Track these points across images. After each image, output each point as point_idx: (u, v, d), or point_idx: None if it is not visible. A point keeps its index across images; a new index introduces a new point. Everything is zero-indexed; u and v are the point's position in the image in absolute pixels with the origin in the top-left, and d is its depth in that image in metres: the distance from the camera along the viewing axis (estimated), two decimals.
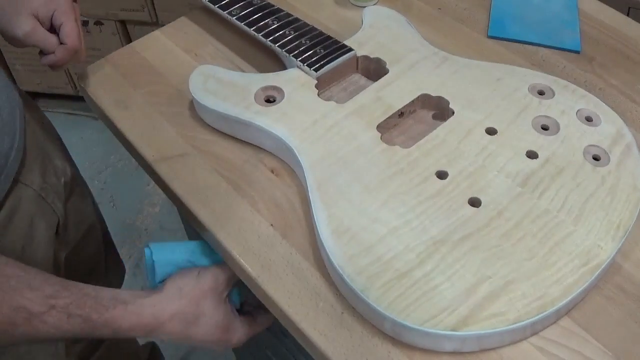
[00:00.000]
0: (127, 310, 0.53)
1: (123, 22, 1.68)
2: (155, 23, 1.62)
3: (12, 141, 0.61)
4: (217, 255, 0.60)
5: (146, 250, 0.60)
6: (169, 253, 0.60)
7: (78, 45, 0.65)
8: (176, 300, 0.55)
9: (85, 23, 1.69)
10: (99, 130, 1.68)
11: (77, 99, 1.85)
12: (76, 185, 0.76)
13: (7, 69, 1.80)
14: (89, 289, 0.53)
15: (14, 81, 1.81)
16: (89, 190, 0.84)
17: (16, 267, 0.51)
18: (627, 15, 0.79)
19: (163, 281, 0.58)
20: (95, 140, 1.75)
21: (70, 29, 0.65)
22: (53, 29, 0.65)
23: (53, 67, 0.66)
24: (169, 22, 0.80)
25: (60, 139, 0.79)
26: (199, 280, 0.57)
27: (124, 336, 0.54)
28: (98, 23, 1.68)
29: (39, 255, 0.65)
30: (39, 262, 0.65)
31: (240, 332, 0.59)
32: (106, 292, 0.53)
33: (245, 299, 0.63)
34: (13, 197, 0.62)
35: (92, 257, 0.83)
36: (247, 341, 0.61)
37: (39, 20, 0.64)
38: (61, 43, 0.64)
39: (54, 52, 0.64)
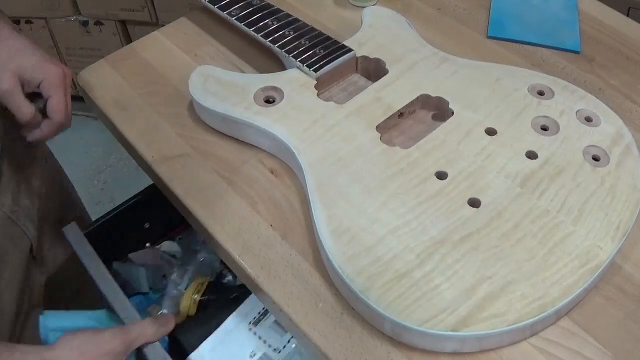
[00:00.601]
0: None
1: (123, 22, 1.68)
2: (155, 23, 1.62)
3: None
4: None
5: (40, 317, 0.56)
6: (65, 322, 0.56)
7: (64, 121, 0.62)
8: (71, 356, 0.51)
9: (85, 23, 1.69)
10: (99, 130, 1.67)
11: (77, 99, 1.85)
12: (57, 200, 0.75)
13: None
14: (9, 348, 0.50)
15: None
16: (78, 201, 0.83)
17: None
18: (627, 15, 0.79)
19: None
20: (95, 140, 1.75)
21: (57, 104, 0.61)
22: (38, 93, 0.61)
23: (36, 141, 0.63)
24: (169, 22, 0.80)
25: (50, 155, 0.77)
26: (100, 344, 0.52)
27: None
28: (98, 23, 1.68)
29: (6, 277, 0.64)
30: (5, 286, 0.64)
31: None
32: (17, 352, 0.50)
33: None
34: None
35: (81, 277, 0.82)
36: None
37: (22, 82, 0.60)
38: (45, 116, 0.61)
39: (29, 124, 0.60)
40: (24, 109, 0.59)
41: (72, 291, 0.80)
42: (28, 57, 0.60)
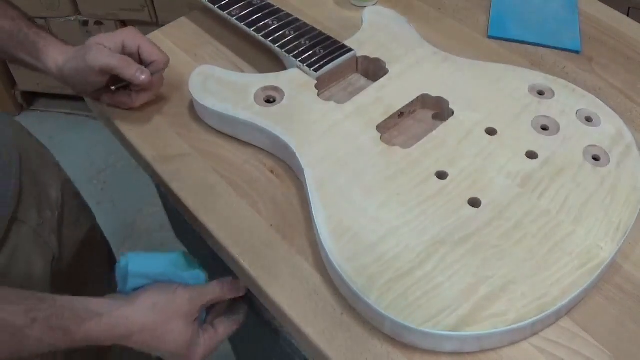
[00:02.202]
0: (101, 322, 0.52)
1: (123, 22, 1.67)
2: (155, 23, 1.62)
3: (9, 181, 0.61)
4: (195, 268, 0.59)
5: (122, 259, 0.58)
6: (145, 266, 0.58)
7: (165, 58, 0.65)
8: (149, 315, 0.55)
9: (85, 23, 1.69)
10: (99, 130, 1.68)
11: (77, 99, 1.85)
12: (70, 204, 0.75)
13: (7, 69, 1.80)
14: (63, 300, 0.52)
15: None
16: (84, 201, 0.83)
17: None
18: (627, 15, 0.79)
19: (135, 289, 0.57)
20: (95, 140, 1.75)
21: (149, 47, 0.65)
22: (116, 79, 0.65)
23: (144, 88, 0.65)
24: (169, 22, 0.80)
25: (55, 163, 0.78)
26: (174, 299, 0.56)
27: (93, 344, 0.53)
28: (98, 23, 1.68)
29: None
30: None
31: (202, 349, 0.58)
32: (79, 303, 0.53)
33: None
34: (13, 235, 0.61)
35: (89, 271, 0.82)
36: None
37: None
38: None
39: (136, 76, 0.62)
40: (142, 73, 0.63)
41: (79, 284, 0.80)
42: (99, 36, 0.65)
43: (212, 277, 0.60)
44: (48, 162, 0.75)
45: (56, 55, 0.65)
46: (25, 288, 0.61)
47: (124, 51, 0.65)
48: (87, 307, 0.53)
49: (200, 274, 0.59)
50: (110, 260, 0.89)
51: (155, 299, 0.56)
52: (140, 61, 0.65)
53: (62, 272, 0.72)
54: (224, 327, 0.60)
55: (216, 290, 0.58)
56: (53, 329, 0.50)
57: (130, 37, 0.65)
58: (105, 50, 0.63)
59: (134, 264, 0.57)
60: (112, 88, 0.66)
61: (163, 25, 0.79)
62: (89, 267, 0.82)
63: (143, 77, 0.63)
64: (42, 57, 0.65)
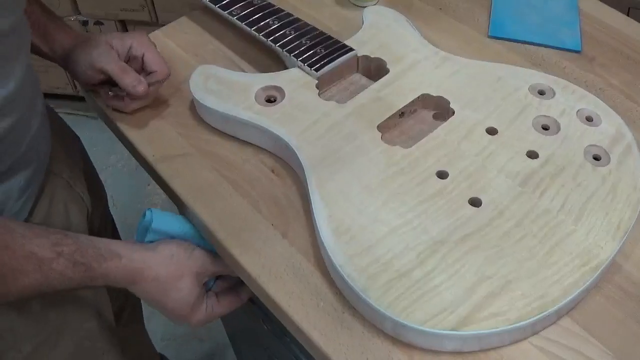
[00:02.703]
0: (120, 262, 0.54)
1: (123, 22, 1.68)
2: (155, 23, 1.62)
3: (47, 136, 0.62)
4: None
5: (147, 213, 0.59)
6: (168, 224, 0.60)
7: (167, 70, 0.66)
8: (164, 265, 0.56)
9: (85, 23, 1.69)
10: (99, 130, 1.68)
11: (77, 99, 1.85)
12: (90, 171, 0.78)
13: None
14: (85, 238, 0.54)
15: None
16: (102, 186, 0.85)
17: (16, 221, 0.52)
18: (627, 15, 0.79)
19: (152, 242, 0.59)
20: (95, 140, 1.75)
21: (154, 56, 0.65)
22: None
23: (138, 97, 0.65)
24: (169, 22, 0.80)
25: (76, 137, 0.80)
26: (190, 257, 0.58)
27: (110, 285, 0.55)
28: (98, 23, 1.68)
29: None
30: None
31: (202, 314, 0.60)
32: (101, 243, 0.55)
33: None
34: (49, 186, 0.63)
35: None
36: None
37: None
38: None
39: (135, 86, 0.63)
40: (139, 84, 0.63)
41: None
42: (112, 35, 0.66)
43: None
44: (66, 127, 0.77)
45: (65, 39, 0.66)
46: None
47: (130, 53, 0.65)
48: (109, 247, 0.54)
49: (214, 248, 0.60)
50: None
51: (173, 250, 0.58)
52: (142, 68, 0.65)
53: (94, 230, 0.74)
54: (228, 302, 0.62)
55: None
56: (76, 264, 0.51)
57: (138, 41, 0.65)
58: (112, 53, 0.64)
59: (158, 220, 0.59)
60: (110, 93, 0.66)
61: (163, 25, 0.79)
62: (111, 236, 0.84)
63: (140, 88, 0.63)
64: (50, 39, 0.65)
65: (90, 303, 0.67)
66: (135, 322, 0.94)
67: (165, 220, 0.59)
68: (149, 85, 0.64)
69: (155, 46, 0.67)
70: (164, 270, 0.56)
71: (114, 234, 0.89)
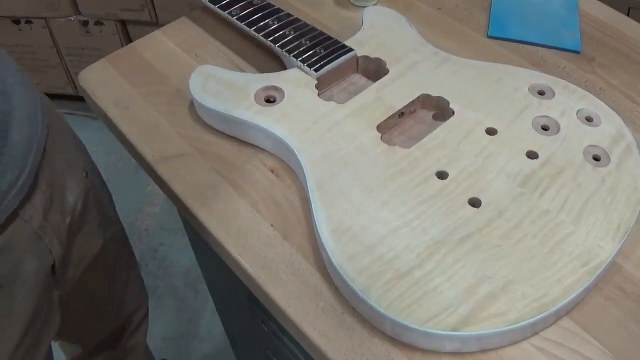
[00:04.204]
0: None
1: (123, 22, 1.68)
2: (155, 23, 1.62)
3: (17, 177, 0.58)
4: None
5: None
6: None
7: None
8: None
9: (85, 23, 1.69)
10: (99, 130, 1.68)
11: (77, 99, 1.85)
12: (91, 213, 0.73)
13: None
14: None
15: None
16: (109, 209, 0.81)
17: None
18: (627, 15, 0.79)
19: None
20: (95, 140, 1.75)
21: None
22: None
23: None
24: (169, 22, 0.80)
25: (92, 167, 0.76)
26: None
27: None
28: (98, 23, 1.68)
29: (21, 295, 0.62)
30: (19, 302, 0.62)
31: None
32: None
33: None
34: (8, 231, 0.59)
35: (97, 292, 0.80)
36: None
37: None
38: None
39: None
40: None
41: (88, 307, 0.79)
42: None
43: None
44: (77, 166, 0.73)
45: None
46: (5, 287, 0.59)
47: None
48: None
49: None
50: (130, 264, 0.89)
51: None
52: None
53: (67, 279, 0.71)
54: None
55: None
56: None
57: None
58: None
59: None
60: None
61: (163, 25, 0.79)
62: (104, 274, 0.81)
63: None
64: None
65: None
66: (136, 337, 0.94)
67: None
68: None
69: None
70: None
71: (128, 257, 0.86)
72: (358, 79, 0.68)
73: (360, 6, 0.79)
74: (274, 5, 0.72)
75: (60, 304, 0.70)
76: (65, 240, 0.68)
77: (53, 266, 0.67)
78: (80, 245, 0.72)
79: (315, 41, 0.68)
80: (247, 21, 0.70)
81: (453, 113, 0.61)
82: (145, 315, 0.97)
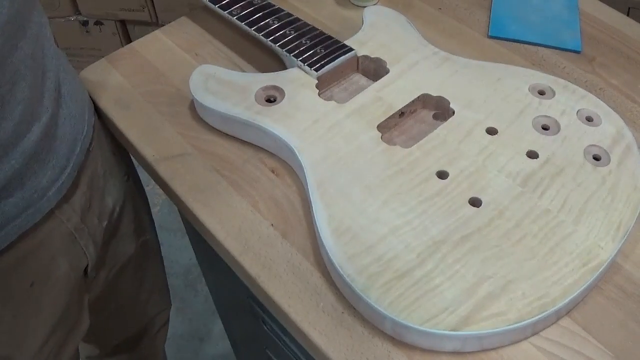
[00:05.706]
0: None
1: (123, 22, 1.68)
2: (155, 23, 1.62)
3: (58, 175, 0.57)
4: None
5: None
6: None
7: None
8: None
9: (85, 23, 1.69)
10: None
11: None
12: (128, 217, 0.73)
13: None
14: None
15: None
16: (145, 215, 0.80)
17: None
18: (627, 15, 0.79)
19: None
20: None
21: None
22: None
23: None
24: (169, 22, 0.80)
25: (134, 172, 0.75)
26: None
27: None
28: (98, 23, 1.68)
29: (51, 295, 0.61)
30: (48, 302, 0.61)
31: None
32: None
33: None
34: (44, 229, 0.58)
35: (124, 295, 0.79)
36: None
37: None
38: None
39: None
40: None
41: (109, 312, 0.79)
42: None
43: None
44: (119, 169, 0.72)
45: None
46: (36, 286, 0.58)
47: None
48: None
49: None
50: (159, 270, 0.87)
51: None
52: None
53: (98, 283, 0.70)
54: None
55: None
56: None
57: None
58: None
59: None
60: None
61: (163, 25, 0.79)
62: (133, 279, 0.79)
63: None
64: None
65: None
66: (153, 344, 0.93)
67: None
68: None
69: None
70: None
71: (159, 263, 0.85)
72: (358, 78, 0.68)
73: (360, 6, 0.79)
74: (274, 5, 0.72)
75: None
76: (100, 244, 0.67)
77: (85, 269, 0.66)
78: (114, 249, 0.71)
79: (315, 41, 0.68)
80: (248, 21, 0.70)
81: (453, 113, 0.61)
82: (166, 322, 0.95)
